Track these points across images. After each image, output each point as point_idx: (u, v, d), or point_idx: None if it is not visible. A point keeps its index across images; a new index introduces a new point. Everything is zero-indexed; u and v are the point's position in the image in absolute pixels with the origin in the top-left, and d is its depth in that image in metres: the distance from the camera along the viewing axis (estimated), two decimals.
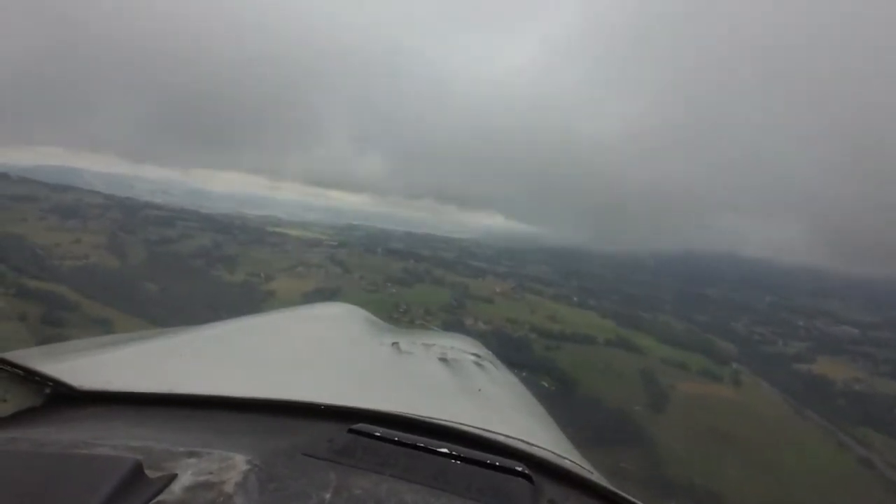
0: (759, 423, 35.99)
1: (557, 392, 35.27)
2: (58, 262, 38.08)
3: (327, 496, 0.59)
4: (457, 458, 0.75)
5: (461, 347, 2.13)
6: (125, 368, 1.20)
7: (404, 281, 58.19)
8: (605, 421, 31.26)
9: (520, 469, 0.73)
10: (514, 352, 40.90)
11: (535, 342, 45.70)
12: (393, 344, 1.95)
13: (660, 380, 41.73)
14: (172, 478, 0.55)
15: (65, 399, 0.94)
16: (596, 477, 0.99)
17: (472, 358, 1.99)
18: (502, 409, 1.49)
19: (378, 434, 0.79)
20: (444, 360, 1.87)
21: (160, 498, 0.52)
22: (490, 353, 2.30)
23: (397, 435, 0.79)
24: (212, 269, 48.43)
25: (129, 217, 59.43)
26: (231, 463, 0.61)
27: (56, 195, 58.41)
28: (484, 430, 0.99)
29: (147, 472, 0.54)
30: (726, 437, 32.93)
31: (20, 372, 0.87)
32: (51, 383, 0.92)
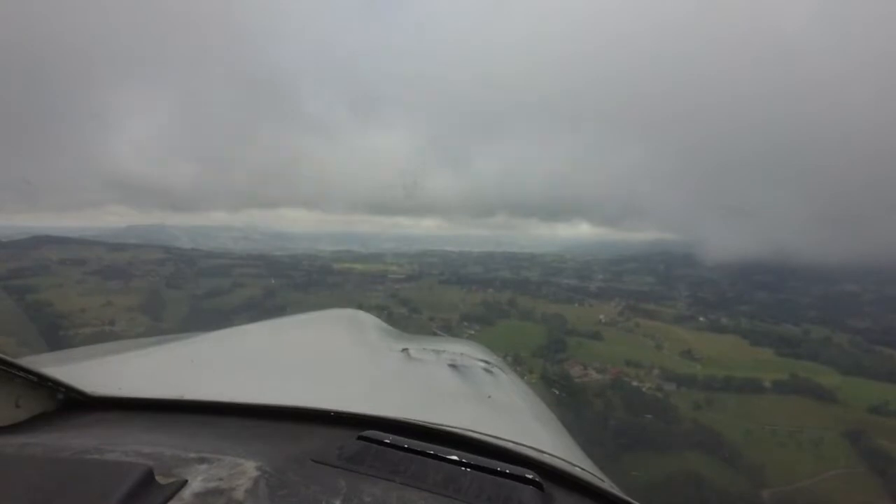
0: None
1: (731, 490, 23.04)
2: (74, 331, 33.96)
3: (337, 503, 0.59)
4: (466, 465, 0.75)
5: (471, 354, 2.13)
6: (136, 374, 1.26)
7: (484, 318, 47.46)
8: None
9: (530, 477, 0.73)
10: (651, 416, 28.83)
11: (675, 396, 32.98)
12: (403, 350, 1.98)
13: (884, 446, 27.31)
14: (183, 484, 0.56)
15: (77, 405, 0.97)
16: (608, 486, 0.97)
17: (482, 364, 1.99)
18: (512, 416, 1.49)
19: (388, 441, 0.79)
20: (453, 366, 1.87)
21: None
22: (500, 359, 2.24)
23: (407, 442, 0.80)
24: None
25: (182, 271, 56.55)
26: (241, 469, 0.62)
27: (110, 255, 57.18)
28: (494, 437, 0.98)
29: (158, 477, 0.55)
30: None
31: (33, 378, 0.89)
32: (63, 389, 0.94)
